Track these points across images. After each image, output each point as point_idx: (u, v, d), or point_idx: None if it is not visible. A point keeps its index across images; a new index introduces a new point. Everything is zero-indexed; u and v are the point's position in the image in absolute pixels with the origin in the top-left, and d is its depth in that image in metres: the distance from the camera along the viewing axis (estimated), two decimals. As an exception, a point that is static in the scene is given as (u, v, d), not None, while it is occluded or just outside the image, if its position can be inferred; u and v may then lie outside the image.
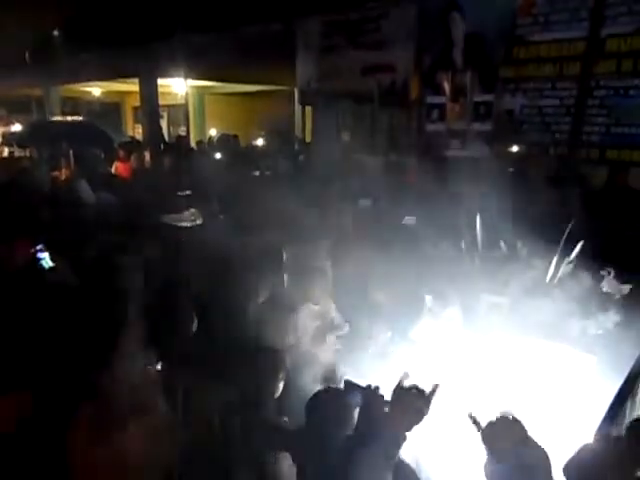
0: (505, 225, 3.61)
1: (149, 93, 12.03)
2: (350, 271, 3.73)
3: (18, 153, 11.21)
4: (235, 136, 10.26)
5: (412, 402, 1.53)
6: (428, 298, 3.33)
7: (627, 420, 2.28)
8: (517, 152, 6.97)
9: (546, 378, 2.71)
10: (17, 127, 13.28)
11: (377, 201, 5.41)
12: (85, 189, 5.68)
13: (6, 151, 11.72)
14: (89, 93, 15.79)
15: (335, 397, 2.00)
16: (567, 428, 2.34)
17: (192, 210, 5.73)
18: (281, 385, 2.42)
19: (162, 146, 10.83)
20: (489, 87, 7.32)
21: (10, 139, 12.52)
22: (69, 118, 12.96)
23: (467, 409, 1.68)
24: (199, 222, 5.42)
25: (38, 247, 3.39)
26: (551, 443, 2.10)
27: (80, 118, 13.25)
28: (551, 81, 6.88)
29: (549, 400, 2.54)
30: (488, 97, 7.18)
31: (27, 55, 14.81)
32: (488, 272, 3.42)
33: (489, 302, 3.19)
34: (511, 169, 6.09)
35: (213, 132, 13.37)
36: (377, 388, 1.76)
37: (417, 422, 1.53)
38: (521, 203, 4.29)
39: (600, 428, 2.08)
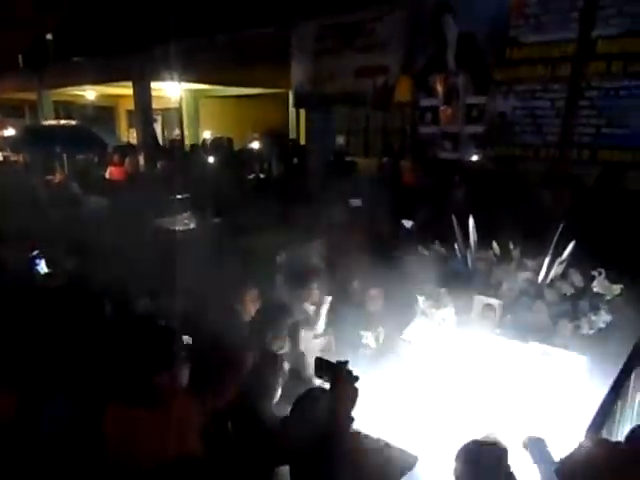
0: (498, 226, 3.63)
1: (143, 97, 12.01)
2: (343, 272, 3.74)
3: (12, 157, 11.19)
4: (229, 139, 10.26)
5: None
6: (421, 299, 3.34)
7: (617, 419, 2.30)
8: (509, 154, 7.00)
9: (537, 379, 2.73)
10: (10, 131, 13.25)
11: (370, 202, 5.43)
12: (76, 191, 5.69)
13: (0, 155, 11.70)
14: (83, 97, 15.76)
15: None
16: (558, 428, 2.35)
17: (186, 214, 5.73)
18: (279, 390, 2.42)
19: (156, 150, 10.82)
20: (482, 89, 7.34)
21: (3, 143, 12.49)
22: (62, 122, 12.91)
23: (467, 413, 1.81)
24: (193, 226, 5.43)
25: (34, 253, 3.40)
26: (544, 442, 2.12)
27: (74, 122, 13.21)
28: (543, 83, 6.91)
29: (540, 401, 2.55)
30: (481, 99, 7.20)
31: (20, 59, 14.77)
32: (481, 273, 3.44)
33: (482, 303, 3.20)
34: (503, 170, 6.13)
35: (207, 135, 13.36)
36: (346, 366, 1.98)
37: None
38: (513, 204, 4.32)
39: (590, 429, 2.10)
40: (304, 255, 3.91)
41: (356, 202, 5.33)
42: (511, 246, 3.45)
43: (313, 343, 3.09)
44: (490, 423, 2.42)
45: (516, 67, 7.19)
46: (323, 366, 2.03)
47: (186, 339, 2.55)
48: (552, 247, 3.24)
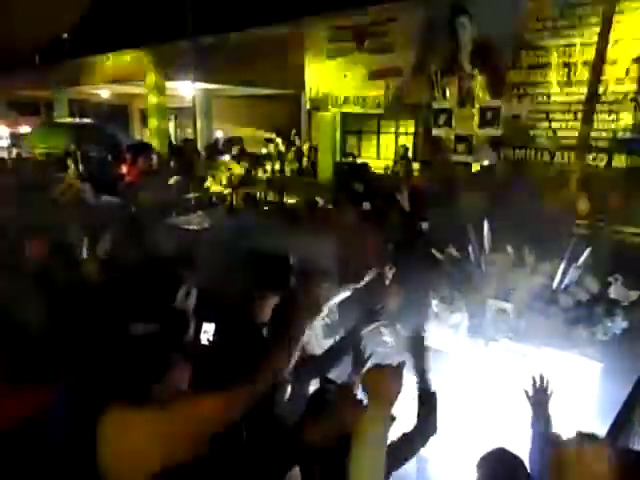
0: (512, 230, 3.61)
1: (157, 96, 12.10)
2: (356, 274, 3.73)
3: (26, 154, 11.31)
4: (240, 138, 10.31)
5: (386, 379, 1.62)
6: (434, 302, 3.33)
7: (636, 427, 2.27)
8: (524, 157, 6.96)
9: (551, 385, 2.70)
10: (26, 129, 13.41)
11: (382, 204, 5.43)
12: (88, 191, 5.75)
13: (14, 152, 11.83)
14: (97, 95, 15.89)
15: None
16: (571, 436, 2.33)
17: (200, 213, 5.77)
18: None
19: (169, 149, 10.89)
20: (496, 92, 7.32)
21: (18, 141, 12.64)
22: (77, 120, 13.05)
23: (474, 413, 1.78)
24: (207, 225, 5.46)
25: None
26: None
27: (88, 120, 13.33)
28: (559, 86, 6.87)
29: (553, 408, 2.53)
30: (495, 102, 7.17)
31: (37, 57, 14.94)
32: (495, 277, 3.42)
33: (495, 308, 3.18)
34: (518, 174, 6.09)
35: (219, 134, 13.41)
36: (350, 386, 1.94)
37: (395, 397, 1.61)
38: (528, 207, 4.29)
39: (608, 435, 2.08)
40: (316, 255, 3.90)
41: (365, 205, 5.33)
42: (526, 250, 3.42)
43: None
44: (501, 429, 2.40)
45: (531, 70, 7.16)
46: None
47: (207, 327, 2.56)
48: (568, 252, 3.21)
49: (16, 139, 13.13)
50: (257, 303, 2.58)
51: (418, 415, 2.02)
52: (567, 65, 6.77)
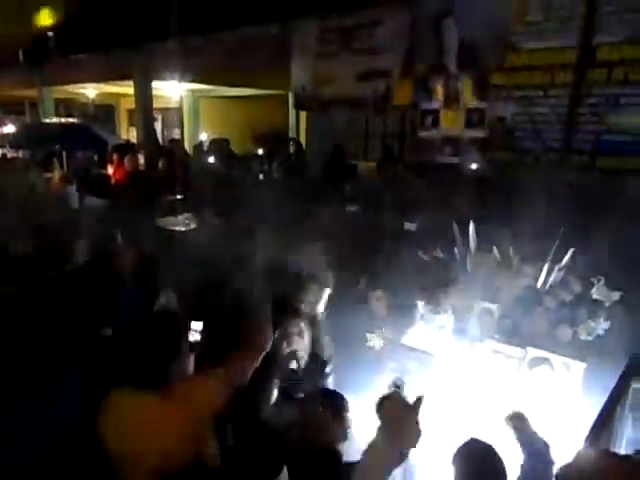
0: (497, 231, 3.64)
1: (143, 96, 12.01)
2: (344, 276, 3.74)
3: (10, 155, 11.17)
4: (226, 140, 10.25)
5: (403, 415, 1.45)
6: (420, 304, 3.35)
7: (615, 430, 2.31)
8: (509, 159, 7.02)
9: (535, 385, 2.73)
10: (10, 128, 13.24)
11: (369, 205, 5.45)
12: (73, 194, 5.72)
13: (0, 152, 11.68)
14: (83, 95, 15.74)
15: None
16: (557, 436, 2.35)
17: (186, 214, 5.73)
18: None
19: (156, 149, 10.81)
20: (482, 94, 7.37)
21: (3, 141, 12.47)
22: (63, 120, 12.90)
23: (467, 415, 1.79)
24: (193, 226, 5.43)
25: None
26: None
27: (74, 120, 13.19)
28: (543, 89, 6.94)
29: (537, 407, 2.56)
30: (481, 104, 7.22)
31: (21, 55, 14.74)
32: (480, 278, 3.45)
33: (481, 308, 3.21)
34: (503, 176, 6.14)
35: (204, 137, 13.29)
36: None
37: (414, 439, 1.44)
38: (514, 209, 4.33)
39: (588, 438, 2.10)
40: (304, 257, 3.90)
41: (353, 207, 5.35)
42: (511, 252, 3.46)
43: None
44: (485, 429, 2.42)
45: (516, 72, 7.22)
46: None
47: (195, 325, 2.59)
48: (552, 253, 3.25)
49: (1, 139, 12.96)
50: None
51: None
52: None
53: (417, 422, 1.45)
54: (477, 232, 3.51)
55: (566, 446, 2.17)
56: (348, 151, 9.59)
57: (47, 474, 1.66)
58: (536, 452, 2.02)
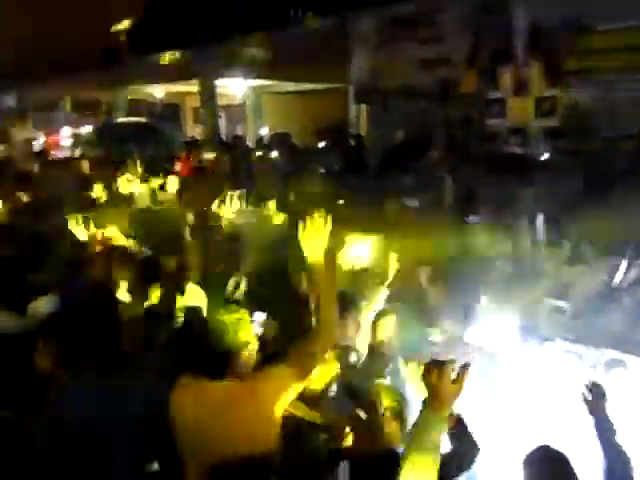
0: (570, 225, 3.46)
1: (208, 94, 12.37)
2: (406, 271, 3.68)
3: (87, 154, 11.82)
4: (287, 134, 10.34)
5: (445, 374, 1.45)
6: (484, 300, 3.23)
7: None
8: (585, 148, 6.63)
9: (611, 389, 2.56)
10: (87, 128, 14.02)
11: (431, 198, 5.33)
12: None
13: (77, 152, 12.42)
14: (151, 94, 16.41)
15: None
16: (632, 442, 2.21)
17: (249, 208, 5.83)
18: None
19: (219, 145, 11.10)
20: (554, 80, 7.00)
21: (80, 140, 13.26)
22: (133, 119, 13.53)
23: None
24: (253, 220, 5.52)
25: None
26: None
27: (143, 119, 13.80)
28: (620, 72, 6.48)
29: (613, 412, 2.40)
30: (553, 91, 6.86)
31: (98, 57, 15.55)
32: (550, 273, 3.29)
33: (550, 306, 3.06)
34: (578, 166, 5.80)
35: (264, 131, 13.43)
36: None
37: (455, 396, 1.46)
38: (588, 202, 4.09)
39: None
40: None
41: (412, 202, 5.24)
42: (584, 246, 3.27)
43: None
44: (555, 433, 2.31)
45: (590, 56, 6.79)
46: None
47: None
48: (630, 248, 3.04)
49: (79, 139, 13.76)
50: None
51: None
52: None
53: (458, 382, 1.46)
54: (548, 226, 3.34)
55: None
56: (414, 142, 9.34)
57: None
58: (613, 449, 1.93)
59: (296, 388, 1.77)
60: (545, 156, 6.58)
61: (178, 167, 9.03)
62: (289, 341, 2.02)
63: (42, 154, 11.23)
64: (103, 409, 1.70)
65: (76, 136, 13.88)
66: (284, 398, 1.73)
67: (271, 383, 1.72)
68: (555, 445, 2.02)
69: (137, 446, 1.76)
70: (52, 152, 12.45)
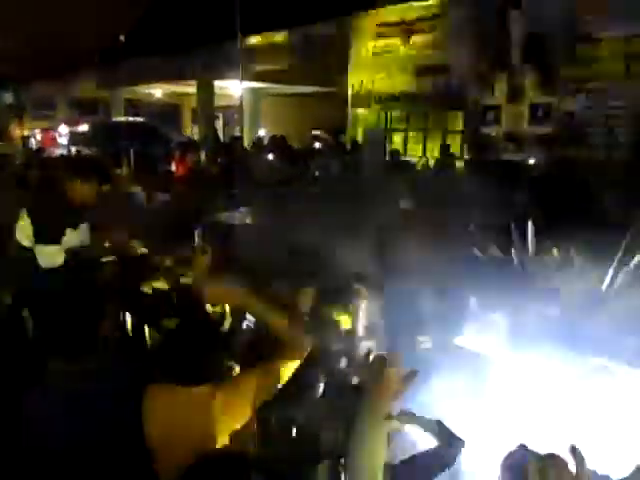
0: (559, 230, 3.46)
1: (206, 95, 12.38)
2: (397, 274, 3.67)
3: (84, 152, 11.82)
4: (282, 137, 10.35)
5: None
6: (474, 304, 3.23)
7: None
8: (577, 156, 6.66)
9: (597, 398, 2.56)
10: (84, 127, 14.01)
11: (425, 202, 5.33)
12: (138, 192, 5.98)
13: (73, 150, 12.42)
14: (150, 95, 16.43)
15: None
16: (618, 455, 2.20)
17: (243, 209, 5.83)
18: None
19: (216, 146, 11.11)
20: (549, 88, 7.04)
21: (77, 139, 13.25)
22: (130, 119, 13.54)
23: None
24: (249, 221, 5.52)
25: None
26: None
27: (141, 119, 13.81)
28: (616, 80, 6.52)
29: (600, 422, 2.40)
30: (547, 98, 6.90)
31: (96, 57, 15.58)
32: (538, 279, 3.29)
33: (538, 312, 3.06)
34: (569, 173, 5.83)
35: (262, 133, 13.48)
36: None
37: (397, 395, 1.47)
38: (580, 207, 4.10)
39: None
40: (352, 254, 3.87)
41: (406, 203, 5.25)
42: (573, 251, 3.27)
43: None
44: (541, 443, 2.30)
45: (588, 65, 6.84)
46: None
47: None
48: (620, 253, 3.04)
49: (75, 137, 13.76)
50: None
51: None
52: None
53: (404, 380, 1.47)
54: (538, 232, 3.34)
55: (628, 461, 2.02)
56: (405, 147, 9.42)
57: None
58: None
59: (269, 389, 1.76)
60: (539, 163, 6.62)
61: (173, 167, 9.04)
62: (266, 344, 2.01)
63: (39, 152, 11.24)
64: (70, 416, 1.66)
65: (72, 134, 13.87)
66: (257, 401, 1.72)
67: (243, 388, 1.71)
68: (537, 448, 2.01)
69: (107, 453, 1.72)
70: (48, 147, 12.48)
